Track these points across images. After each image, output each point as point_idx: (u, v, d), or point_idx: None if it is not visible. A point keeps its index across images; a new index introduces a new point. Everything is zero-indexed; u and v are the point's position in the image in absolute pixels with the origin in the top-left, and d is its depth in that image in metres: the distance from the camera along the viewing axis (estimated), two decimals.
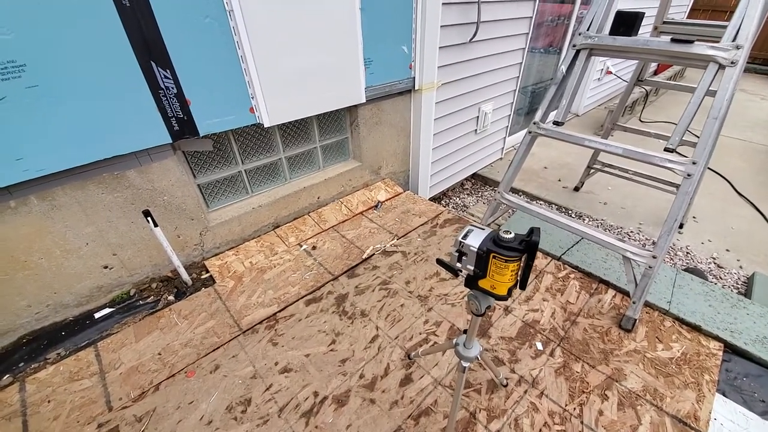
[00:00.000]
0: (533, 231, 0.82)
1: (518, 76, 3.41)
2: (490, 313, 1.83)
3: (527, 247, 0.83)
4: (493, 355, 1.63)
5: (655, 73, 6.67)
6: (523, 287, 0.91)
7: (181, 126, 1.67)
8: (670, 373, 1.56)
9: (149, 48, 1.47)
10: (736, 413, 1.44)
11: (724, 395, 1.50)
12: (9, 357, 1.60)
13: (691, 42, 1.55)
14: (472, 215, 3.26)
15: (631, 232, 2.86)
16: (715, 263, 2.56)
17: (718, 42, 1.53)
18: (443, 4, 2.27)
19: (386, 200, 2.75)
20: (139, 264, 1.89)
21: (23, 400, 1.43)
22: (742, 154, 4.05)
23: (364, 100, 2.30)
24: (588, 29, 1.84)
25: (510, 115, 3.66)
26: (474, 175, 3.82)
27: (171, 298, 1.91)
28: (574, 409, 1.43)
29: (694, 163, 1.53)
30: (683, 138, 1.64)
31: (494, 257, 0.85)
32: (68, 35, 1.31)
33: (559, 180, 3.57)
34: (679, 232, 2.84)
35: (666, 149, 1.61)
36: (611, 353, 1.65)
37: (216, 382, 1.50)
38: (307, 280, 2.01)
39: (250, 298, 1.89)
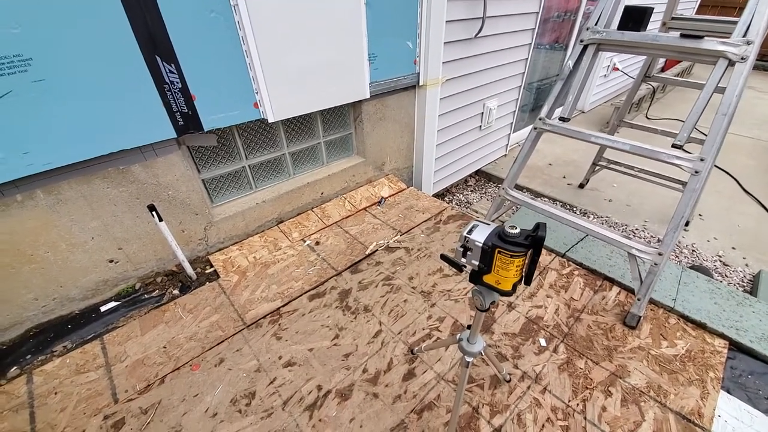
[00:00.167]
0: (539, 226, 0.81)
1: (524, 72, 3.38)
2: (493, 309, 1.83)
3: (533, 242, 0.82)
4: (496, 351, 1.63)
5: (662, 70, 6.59)
6: (528, 283, 0.90)
7: (186, 121, 1.67)
8: (674, 370, 1.56)
9: (154, 42, 1.47)
10: (741, 410, 1.44)
11: (728, 392, 1.50)
12: (16, 349, 1.62)
13: (701, 37, 1.52)
14: (476, 212, 3.25)
15: (636, 229, 2.84)
16: (720, 261, 2.55)
17: (727, 38, 1.51)
18: None
19: (390, 196, 2.75)
20: (144, 258, 1.90)
21: (30, 392, 1.44)
22: (749, 151, 4.00)
23: (369, 96, 2.29)
24: (596, 24, 1.82)
25: (515, 111, 3.63)
26: (478, 172, 3.80)
27: (176, 292, 1.93)
28: (577, 405, 1.43)
29: (702, 160, 1.52)
30: (690, 135, 1.62)
31: (499, 252, 0.84)
32: (74, 29, 1.31)
33: (564, 177, 3.55)
34: (685, 230, 2.82)
35: (674, 146, 1.60)
36: (615, 350, 1.64)
37: (221, 375, 1.51)
38: (311, 276, 2.01)
39: (254, 293, 1.89)
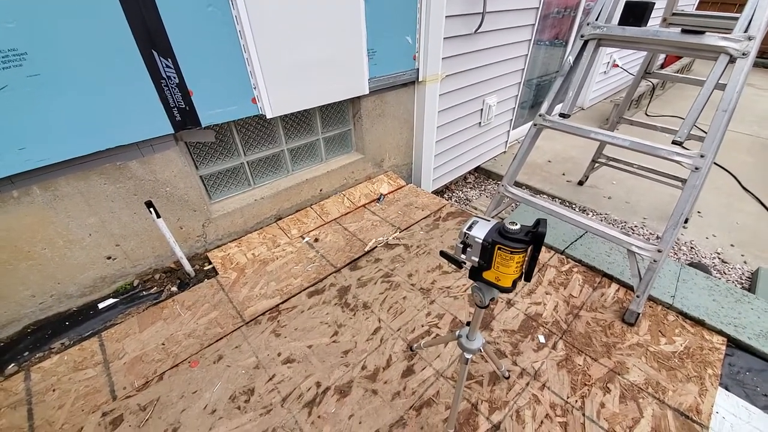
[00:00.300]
0: (540, 222, 0.81)
1: (523, 69, 3.36)
2: (492, 306, 1.83)
3: (533, 238, 0.82)
4: (495, 348, 1.63)
5: (662, 67, 6.58)
6: (528, 279, 0.90)
7: (183, 116, 1.66)
8: (672, 366, 1.56)
9: (151, 37, 1.45)
10: (739, 407, 1.44)
11: (726, 389, 1.50)
12: (14, 346, 1.61)
13: (702, 33, 1.52)
14: (475, 208, 3.24)
15: (635, 226, 2.84)
16: (719, 258, 2.55)
17: (728, 33, 1.50)
18: None
19: (389, 193, 2.74)
20: (142, 255, 1.89)
21: (28, 388, 1.44)
22: (749, 148, 4.00)
23: (368, 92, 2.28)
24: (597, 19, 1.81)
25: (514, 108, 3.62)
26: (477, 169, 3.79)
27: (174, 289, 1.92)
28: (576, 401, 1.43)
29: (702, 157, 1.52)
30: (690, 132, 1.61)
31: (499, 249, 0.84)
32: (69, 24, 1.29)
33: (563, 174, 3.55)
34: (684, 227, 2.82)
35: (674, 142, 1.59)
36: (614, 346, 1.64)
37: (219, 372, 1.51)
38: (310, 272, 2.01)
39: (253, 290, 1.89)
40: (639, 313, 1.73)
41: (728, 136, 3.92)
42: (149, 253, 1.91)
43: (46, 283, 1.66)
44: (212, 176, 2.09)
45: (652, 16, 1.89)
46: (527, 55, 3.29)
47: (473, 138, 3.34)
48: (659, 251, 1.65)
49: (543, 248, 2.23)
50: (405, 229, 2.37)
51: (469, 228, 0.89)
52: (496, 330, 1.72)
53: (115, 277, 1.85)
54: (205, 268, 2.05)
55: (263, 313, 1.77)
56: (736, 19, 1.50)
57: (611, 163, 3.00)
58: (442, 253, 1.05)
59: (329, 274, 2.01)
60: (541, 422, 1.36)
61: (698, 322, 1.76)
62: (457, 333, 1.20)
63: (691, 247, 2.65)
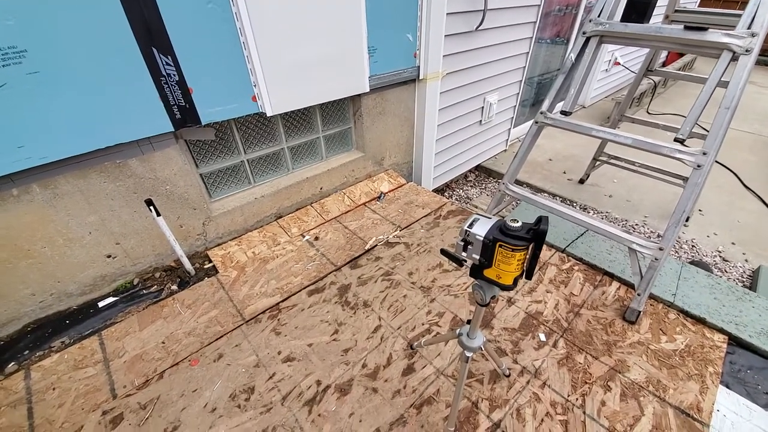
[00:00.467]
0: (541, 220, 0.80)
1: (524, 67, 3.35)
2: (493, 304, 1.83)
3: (535, 236, 0.81)
4: (495, 346, 1.63)
5: (664, 65, 6.55)
6: (529, 277, 0.90)
7: (183, 114, 1.65)
8: (673, 364, 1.56)
9: (151, 33, 1.45)
10: (740, 405, 1.44)
11: (727, 387, 1.50)
12: (14, 345, 1.61)
13: (705, 29, 1.50)
14: (476, 207, 3.24)
15: (636, 224, 2.83)
16: (720, 256, 2.54)
17: (732, 30, 1.49)
18: None
19: (389, 191, 2.73)
20: (142, 253, 1.89)
21: (28, 387, 1.44)
22: (750, 146, 3.99)
23: (368, 90, 2.27)
24: (599, 16, 1.79)
25: (515, 106, 3.61)
26: (478, 167, 3.78)
27: (174, 287, 1.92)
28: (577, 399, 1.43)
29: (704, 154, 1.51)
30: (692, 130, 1.60)
31: (500, 246, 0.83)
32: (69, 20, 1.29)
33: (564, 172, 3.54)
34: (685, 225, 2.81)
35: (676, 139, 1.58)
36: (615, 345, 1.64)
37: (219, 370, 1.51)
38: (310, 271, 2.00)
39: (253, 288, 1.89)
40: (640, 312, 1.72)
41: (730, 134, 3.91)
42: (149, 252, 1.91)
43: (46, 281, 1.66)
44: (212, 174, 2.09)
45: (654, 13, 1.87)
46: (528, 52, 3.27)
47: (474, 136, 3.33)
48: (660, 249, 1.64)
49: (544, 246, 2.22)
50: (405, 227, 2.37)
51: (470, 225, 0.89)
52: (496, 328, 1.71)
53: (116, 275, 1.85)
54: (205, 267, 2.05)
55: (263, 312, 1.77)
56: (739, 15, 1.49)
57: (612, 161, 2.99)
58: (443, 251, 1.05)
59: (329, 273, 2.00)
60: (542, 420, 1.36)
61: (699, 321, 1.76)
62: (457, 331, 1.19)
63: (693, 246, 2.64)
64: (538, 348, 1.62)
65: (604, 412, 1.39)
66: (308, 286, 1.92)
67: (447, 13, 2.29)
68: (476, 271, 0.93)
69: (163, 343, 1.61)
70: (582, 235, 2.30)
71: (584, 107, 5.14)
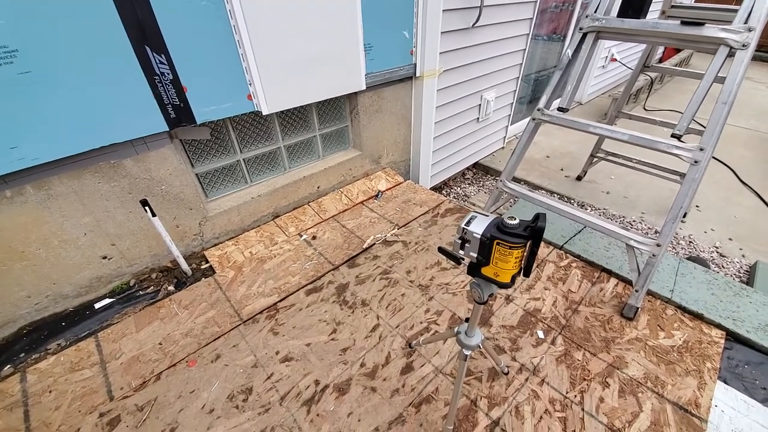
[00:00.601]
0: (539, 217, 0.80)
1: (521, 63, 3.34)
2: (491, 302, 1.82)
3: (532, 233, 0.81)
4: (494, 344, 1.63)
5: (660, 61, 6.56)
6: (527, 275, 0.89)
7: (178, 113, 1.64)
8: (671, 360, 1.56)
9: (144, 32, 1.43)
10: (738, 400, 1.44)
11: (725, 383, 1.50)
12: (9, 348, 1.60)
13: (701, 24, 1.50)
14: (474, 204, 3.23)
15: (634, 221, 2.84)
16: (717, 252, 2.55)
17: (728, 25, 1.48)
18: None
19: (387, 190, 2.73)
20: (138, 254, 1.88)
21: (24, 390, 1.43)
22: (746, 142, 4.00)
23: (364, 87, 2.25)
24: (595, 11, 1.79)
25: (512, 103, 3.60)
26: (475, 165, 3.78)
27: (171, 288, 1.91)
28: (575, 396, 1.43)
29: (701, 150, 1.51)
30: (689, 126, 1.60)
31: (498, 244, 0.83)
32: (60, 20, 1.27)
33: (562, 169, 3.54)
34: (682, 221, 2.82)
35: (673, 135, 1.58)
36: (613, 341, 1.64)
37: (217, 371, 1.50)
38: (308, 270, 2.00)
39: (251, 288, 1.88)
40: (638, 308, 1.73)
41: (726, 130, 3.92)
42: (145, 253, 1.90)
43: (41, 283, 1.64)
44: (208, 174, 2.07)
45: (651, 9, 1.87)
46: (525, 49, 3.26)
47: (471, 134, 3.33)
48: (658, 245, 1.64)
49: (542, 243, 2.23)
50: (403, 225, 2.36)
51: (468, 223, 0.88)
52: (495, 326, 1.71)
53: (111, 276, 1.84)
54: (202, 267, 2.03)
55: (261, 312, 1.76)
56: (736, 11, 1.49)
57: (610, 157, 2.99)
58: (441, 250, 1.04)
59: (327, 272, 1.99)
60: (541, 417, 1.36)
61: (697, 316, 1.76)
62: (455, 329, 1.19)
63: (690, 241, 2.65)
64: (537, 345, 1.62)
65: (602, 409, 1.39)
66: (306, 285, 1.91)
67: (443, 10, 2.28)
68: (474, 269, 0.93)
69: (160, 344, 1.60)
70: (580, 232, 2.31)
71: (581, 104, 5.14)
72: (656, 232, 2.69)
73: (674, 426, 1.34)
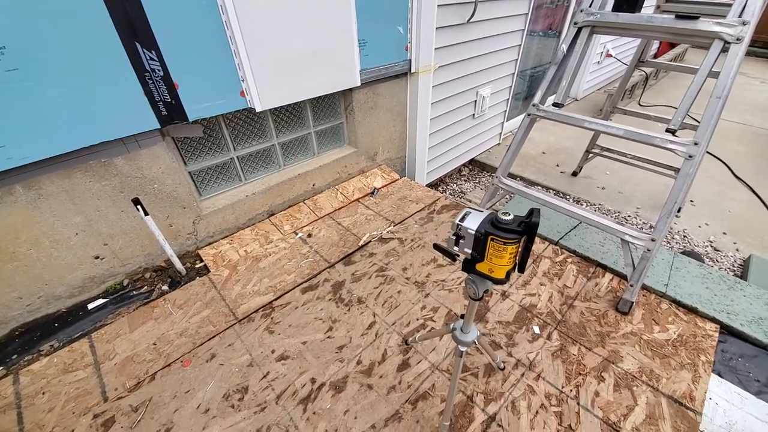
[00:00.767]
0: (533, 212, 0.79)
1: (517, 59, 3.33)
2: (487, 298, 1.82)
3: (527, 228, 0.80)
4: (490, 340, 1.63)
5: (655, 56, 6.57)
6: (522, 270, 0.89)
7: (169, 111, 1.61)
8: (666, 354, 1.57)
9: (133, 29, 1.41)
10: (732, 393, 1.45)
11: (719, 375, 1.51)
12: (2, 350, 1.58)
13: (696, 18, 1.50)
14: (470, 201, 3.23)
15: (629, 216, 2.85)
16: (711, 246, 2.57)
17: (723, 19, 1.48)
18: None
19: (382, 187, 2.72)
20: (131, 254, 1.86)
21: (17, 392, 1.41)
22: (740, 137, 4.02)
23: (359, 84, 2.24)
24: (590, 6, 1.78)
25: (508, 99, 3.60)
26: (472, 161, 3.77)
27: (165, 287, 1.89)
28: (571, 390, 1.43)
29: (696, 144, 1.51)
30: (684, 121, 1.60)
31: (492, 240, 0.82)
32: (48, 15, 1.25)
33: (557, 165, 3.54)
34: (677, 216, 2.83)
35: (668, 130, 1.58)
36: (608, 336, 1.65)
37: (212, 370, 1.49)
38: (303, 268, 1.99)
39: (246, 287, 1.87)
40: (632, 302, 1.73)
41: (720, 125, 3.94)
42: (138, 252, 1.88)
43: (33, 284, 1.62)
44: (201, 172, 2.05)
45: (646, 4, 1.86)
46: (521, 45, 3.25)
47: (467, 130, 3.32)
48: (653, 240, 1.65)
49: (537, 239, 2.23)
50: (399, 222, 2.36)
51: (462, 219, 0.87)
52: (491, 322, 1.71)
53: (104, 276, 1.82)
54: (196, 266, 2.02)
55: (256, 311, 1.75)
56: (730, 5, 1.49)
57: (605, 153, 2.99)
58: (436, 246, 1.04)
59: (323, 270, 1.99)
60: (537, 412, 1.36)
61: (691, 310, 1.77)
62: (451, 326, 1.19)
63: (684, 236, 2.66)
64: (533, 340, 1.63)
65: (598, 403, 1.39)
66: (302, 283, 1.90)
67: (438, 5, 2.26)
68: (468, 266, 0.92)
69: (155, 344, 1.58)
70: (575, 227, 2.31)
71: (577, 100, 5.14)
72: (651, 227, 2.70)
73: (669, 419, 1.34)
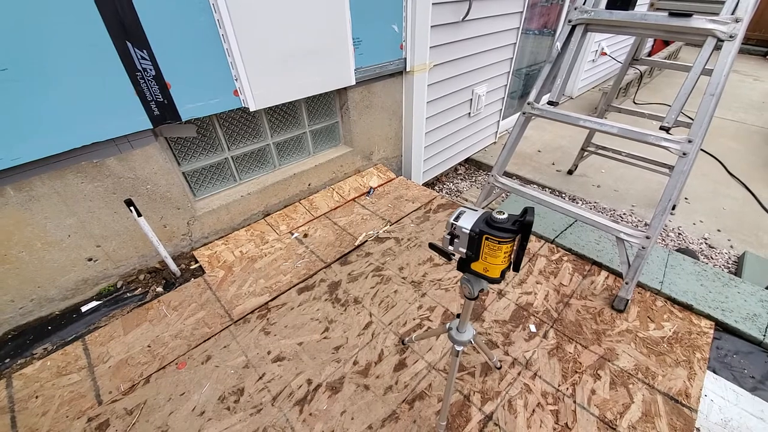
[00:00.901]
0: (527, 211, 0.79)
1: (512, 57, 3.33)
2: (483, 297, 1.82)
3: (521, 227, 0.80)
4: (486, 339, 1.63)
5: (649, 55, 6.60)
6: (516, 269, 0.88)
7: (162, 110, 1.60)
8: (661, 351, 1.57)
9: (124, 27, 1.39)
10: (727, 389, 1.46)
11: (714, 372, 1.52)
12: None
13: (689, 15, 1.50)
14: (466, 200, 3.23)
15: (624, 214, 2.86)
16: (706, 243, 2.58)
17: (716, 17, 1.48)
18: None
19: (378, 186, 2.71)
20: (124, 255, 1.84)
21: (10, 396, 1.39)
22: (734, 135, 4.05)
23: (354, 83, 2.23)
24: (584, 3, 1.78)
25: (504, 97, 3.60)
26: (468, 160, 3.78)
27: (159, 289, 1.87)
28: (567, 389, 1.44)
29: (690, 142, 1.51)
30: (678, 118, 1.61)
31: (487, 239, 0.82)
32: (37, 15, 1.23)
33: (553, 163, 3.55)
34: (672, 213, 2.85)
35: (662, 127, 1.58)
36: (604, 334, 1.65)
37: (208, 372, 1.48)
38: (299, 269, 1.98)
39: (241, 288, 1.85)
40: (628, 300, 1.74)
41: (714, 122, 3.96)
42: (132, 254, 1.86)
43: (25, 287, 1.60)
44: (196, 172, 2.04)
45: (639, 2, 1.87)
46: (516, 43, 3.26)
47: (463, 129, 3.32)
48: (647, 238, 1.65)
49: (533, 238, 2.23)
50: (395, 222, 2.35)
51: (456, 218, 0.87)
52: (487, 321, 1.71)
53: (98, 279, 1.80)
54: (191, 267, 2.00)
55: (252, 312, 1.74)
56: (723, 2, 1.49)
57: (600, 151, 3.00)
58: (431, 245, 1.03)
59: (319, 270, 1.98)
60: (533, 411, 1.37)
61: (686, 307, 1.78)
62: (447, 326, 1.19)
63: (679, 233, 2.68)
64: (529, 339, 1.63)
65: (594, 401, 1.40)
66: (298, 284, 1.89)
67: (433, 3, 2.26)
68: (463, 265, 0.92)
69: (149, 346, 1.57)
70: (571, 225, 2.31)
71: (572, 98, 5.16)
72: (646, 224, 2.71)
73: (665, 416, 1.35)
